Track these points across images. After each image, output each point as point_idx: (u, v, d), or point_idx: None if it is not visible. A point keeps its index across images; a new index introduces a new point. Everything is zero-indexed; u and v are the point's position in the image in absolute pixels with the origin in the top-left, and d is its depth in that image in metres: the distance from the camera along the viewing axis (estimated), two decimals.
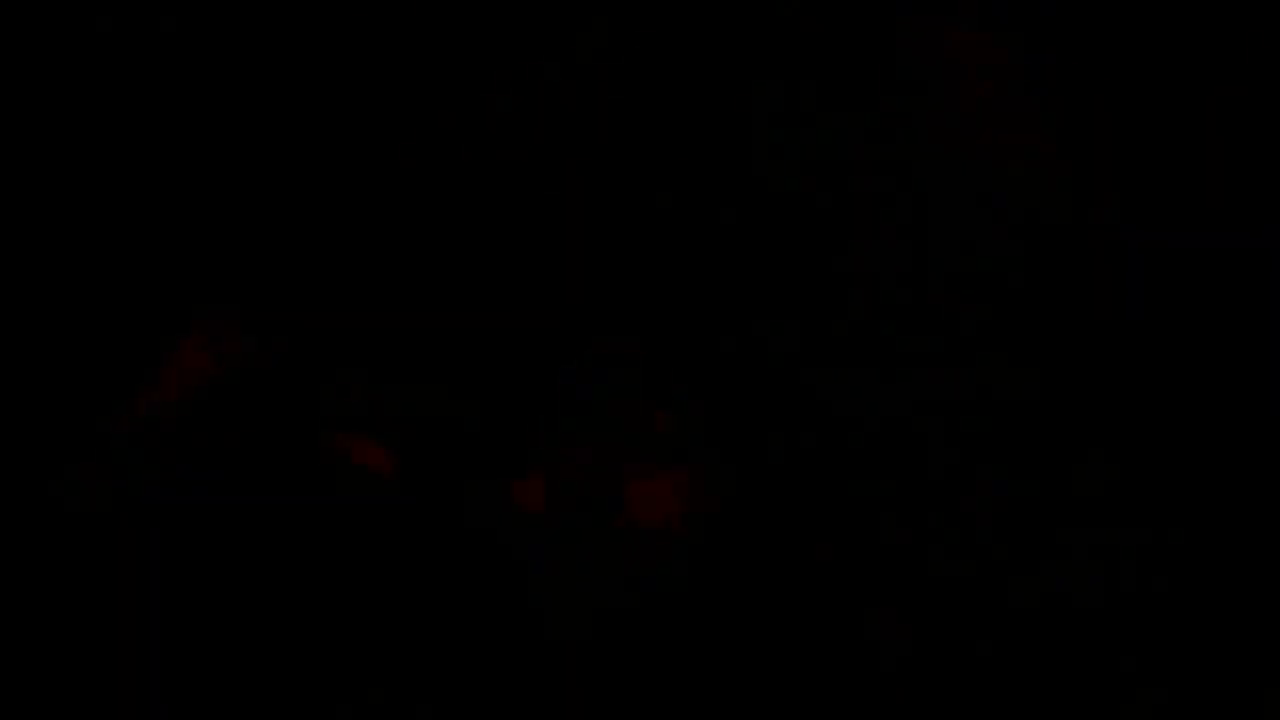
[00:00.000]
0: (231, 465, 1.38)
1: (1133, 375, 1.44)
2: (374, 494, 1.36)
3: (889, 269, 1.50)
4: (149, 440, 1.34)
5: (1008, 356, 1.44)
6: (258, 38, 1.59)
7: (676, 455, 1.35)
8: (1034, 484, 1.38)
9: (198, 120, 1.56)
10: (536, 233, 1.55)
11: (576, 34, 1.60)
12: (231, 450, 1.38)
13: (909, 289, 1.48)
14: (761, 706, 1.31)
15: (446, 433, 1.38)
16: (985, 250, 1.46)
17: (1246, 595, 1.35)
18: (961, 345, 1.46)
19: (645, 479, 1.32)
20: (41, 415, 1.44)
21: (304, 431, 1.38)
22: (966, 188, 1.43)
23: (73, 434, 1.34)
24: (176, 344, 1.37)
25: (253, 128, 1.57)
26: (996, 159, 1.43)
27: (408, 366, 1.42)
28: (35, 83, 1.56)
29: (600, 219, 1.55)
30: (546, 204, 1.57)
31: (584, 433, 1.36)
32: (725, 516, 1.35)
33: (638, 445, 1.35)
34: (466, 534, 1.34)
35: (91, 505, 1.32)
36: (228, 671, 1.33)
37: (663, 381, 1.37)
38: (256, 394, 1.37)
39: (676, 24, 1.59)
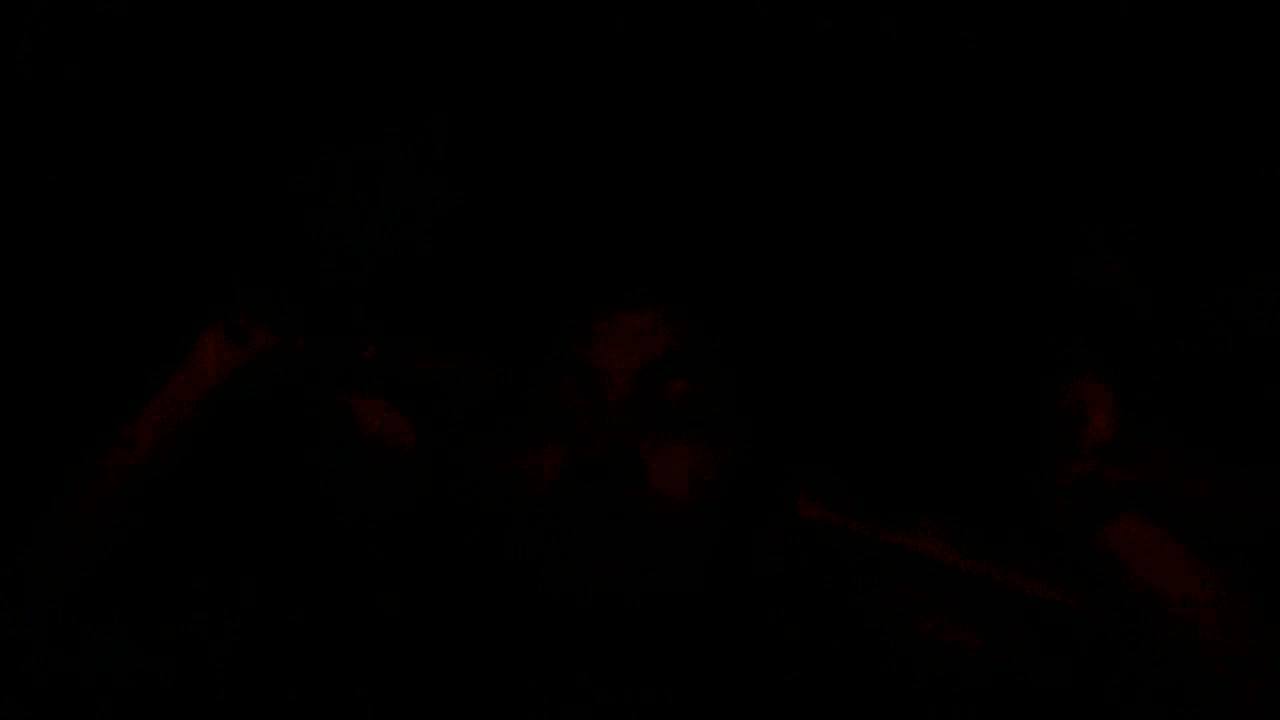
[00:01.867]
0: (256, 448, 1.39)
1: None
2: (398, 466, 1.36)
3: None
4: (177, 428, 1.33)
5: None
6: (258, 38, 1.60)
7: (696, 425, 1.31)
8: None
9: (209, 117, 1.57)
10: (542, 223, 1.56)
11: (576, 34, 1.62)
12: (256, 435, 1.39)
13: None
14: (780, 703, 1.27)
15: (463, 396, 1.36)
16: None
17: None
18: None
19: (664, 450, 1.28)
20: (68, 410, 1.43)
21: (328, 407, 1.38)
22: None
23: (100, 428, 1.32)
24: (199, 336, 1.37)
25: (259, 126, 1.57)
26: None
27: (423, 336, 1.41)
28: (39, 83, 1.55)
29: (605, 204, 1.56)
30: (549, 201, 1.59)
31: (601, 400, 1.30)
32: (748, 489, 1.32)
33: (655, 414, 1.30)
34: (479, 509, 1.31)
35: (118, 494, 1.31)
36: (242, 654, 1.31)
37: (682, 348, 1.32)
38: (279, 379, 1.37)
39: (677, 24, 1.62)
